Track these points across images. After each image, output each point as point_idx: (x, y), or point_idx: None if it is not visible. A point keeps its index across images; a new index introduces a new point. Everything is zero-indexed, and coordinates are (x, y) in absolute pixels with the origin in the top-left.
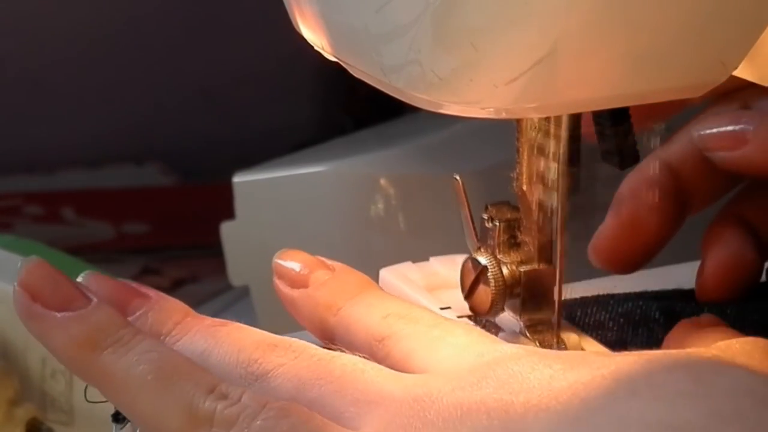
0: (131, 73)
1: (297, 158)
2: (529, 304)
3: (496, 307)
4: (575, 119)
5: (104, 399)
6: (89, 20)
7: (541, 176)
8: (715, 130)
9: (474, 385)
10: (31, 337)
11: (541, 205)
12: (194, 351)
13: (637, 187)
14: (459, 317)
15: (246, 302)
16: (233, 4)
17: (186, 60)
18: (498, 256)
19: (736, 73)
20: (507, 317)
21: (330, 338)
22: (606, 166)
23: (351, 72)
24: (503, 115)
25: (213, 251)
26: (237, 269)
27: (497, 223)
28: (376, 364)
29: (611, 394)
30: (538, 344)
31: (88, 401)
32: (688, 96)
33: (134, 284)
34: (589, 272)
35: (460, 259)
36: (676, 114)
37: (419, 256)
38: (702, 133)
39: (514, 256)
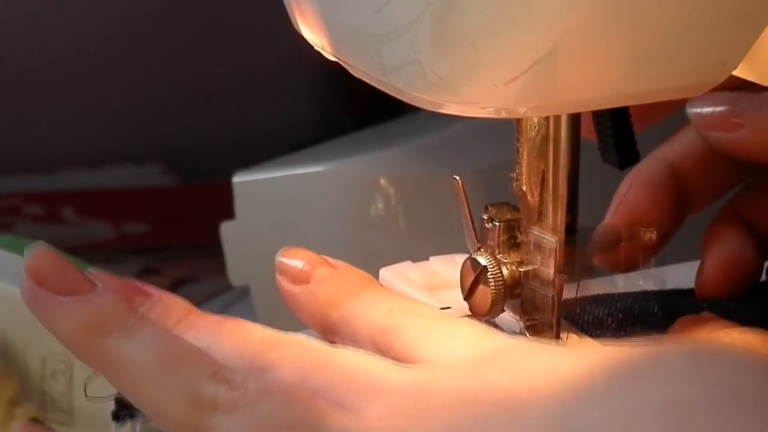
0: (131, 73)
1: (297, 158)
2: (528, 305)
3: (495, 307)
4: (575, 119)
5: (103, 397)
6: (89, 20)
7: (542, 176)
8: (709, 110)
9: (476, 371)
10: (31, 337)
11: (541, 206)
12: (198, 346)
13: (638, 186)
14: (459, 317)
15: (246, 302)
16: (233, 4)
17: (186, 60)
18: (498, 257)
19: (735, 72)
20: (507, 317)
21: (331, 334)
22: (606, 166)
23: (351, 72)
24: (503, 115)
25: (213, 251)
26: (237, 269)
27: (497, 224)
28: (379, 357)
29: (613, 374)
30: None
31: (87, 398)
32: (687, 96)
33: (138, 282)
34: (589, 272)
35: (460, 259)
36: (675, 114)
37: (419, 256)
38: (696, 111)
39: (514, 257)
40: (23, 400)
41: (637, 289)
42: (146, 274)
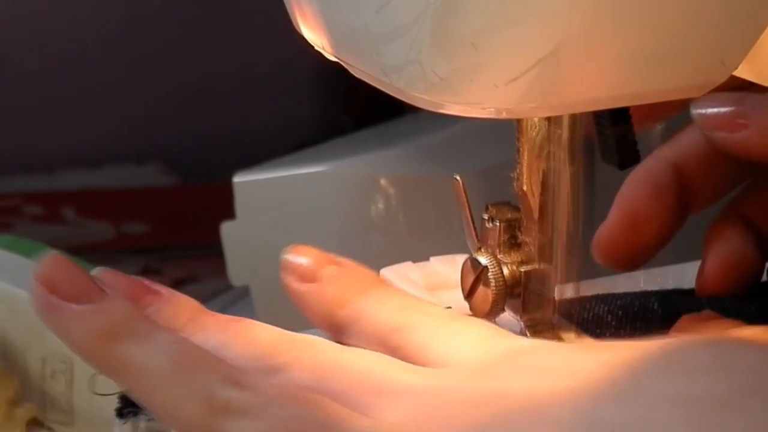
0: (131, 73)
1: (297, 158)
2: (529, 305)
3: (496, 307)
4: (576, 118)
5: (111, 392)
6: (89, 20)
7: (543, 176)
8: (714, 110)
9: (494, 374)
10: (31, 337)
11: (542, 206)
12: (209, 346)
13: (640, 185)
14: None
15: (246, 302)
16: (233, 4)
17: (186, 60)
18: (498, 257)
19: (736, 73)
20: (507, 317)
21: (339, 332)
22: (606, 166)
23: (351, 72)
24: (504, 115)
25: (213, 251)
26: (237, 269)
27: (498, 224)
28: (393, 359)
29: (635, 371)
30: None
31: (95, 394)
32: (688, 96)
33: (145, 281)
34: (589, 272)
35: (460, 259)
36: (676, 114)
37: (419, 256)
38: (700, 111)
39: (515, 257)
40: (23, 400)
41: (637, 289)
42: (146, 274)
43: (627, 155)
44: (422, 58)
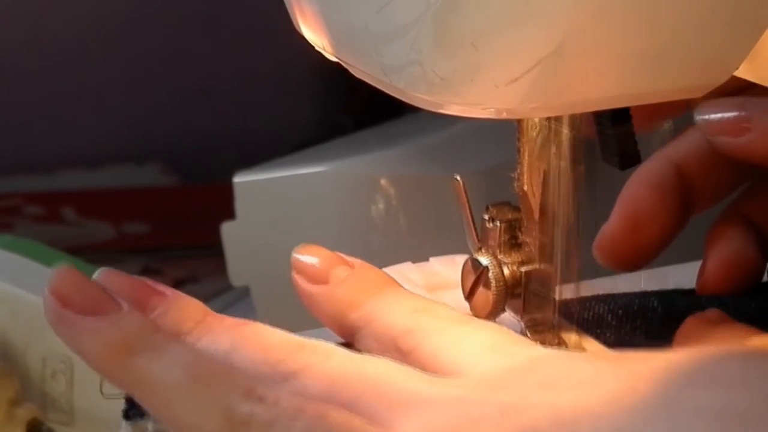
0: (131, 73)
1: (297, 158)
2: (530, 305)
3: (497, 307)
4: (577, 119)
5: (116, 394)
6: (89, 20)
7: (543, 176)
8: (717, 116)
9: (516, 385)
10: (31, 337)
11: (542, 206)
12: (218, 350)
13: (642, 186)
14: None
15: (246, 302)
16: (233, 4)
17: (186, 60)
18: (499, 257)
19: (736, 73)
20: (508, 317)
21: (350, 335)
22: (607, 167)
23: (351, 72)
24: (504, 116)
25: (213, 251)
26: (237, 269)
27: (498, 224)
28: (408, 367)
29: (664, 384)
30: (539, 344)
31: (103, 395)
32: (689, 96)
33: (150, 282)
34: (590, 272)
35: (460, 259)
36: (677, 116)
37: (420, 256)
38: (704, 117)
39: (515, 257)
40: (24, 400)
41: (638, 289)
42: (146, 274)
43: (628, 156)
44: (423, 58)
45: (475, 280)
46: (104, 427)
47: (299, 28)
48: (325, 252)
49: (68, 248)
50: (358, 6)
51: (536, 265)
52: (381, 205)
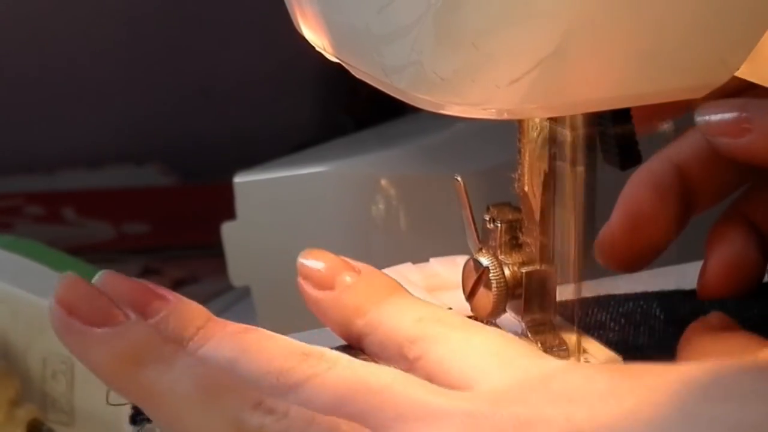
0: (131, 73)
1: (298, 158)
2: (530, 306)
3: (497, 308)
4: (578, 119)
5: (124, 404)
6: (89, 20)
7: (544, 177)
8: (718, 117)
9: (529, 399)
10: (31, 337)
11: (543, 206)
12: (220, 358)
13: (642, 186)
14: None
15: (247, 303)
16: (233, 4)
17: (186, 60)
18: (500, 257)
19: (737, 73)
20: (508, 318)
21: (356, 341)
22: (608, 167)
23: (352, 72)
24: (505, 116)
25: (213, 251)
26: (237, 270)
27: (499, 224)
28: (415, 378)
29: (680, 398)
30: (539, 345)
31: (110, 404)
32: (690, 96)
33: (151, 285)
34: (590, 272)
35: (460, 260)
36: (678, 116)
37: (420, 256)
38: (705, 118)
39: (516, 257)
40: (24, 400)
41: (639, 290)
42: (146, 274)
43: (628, 156)
44: (423, 58)
45: (475, 280)
46: (104, 427)
47: (300, 28)
48: (330, 257)
49: (68, 248)
50: (359, 6)
51: (537, 266)
52: (381, 206)
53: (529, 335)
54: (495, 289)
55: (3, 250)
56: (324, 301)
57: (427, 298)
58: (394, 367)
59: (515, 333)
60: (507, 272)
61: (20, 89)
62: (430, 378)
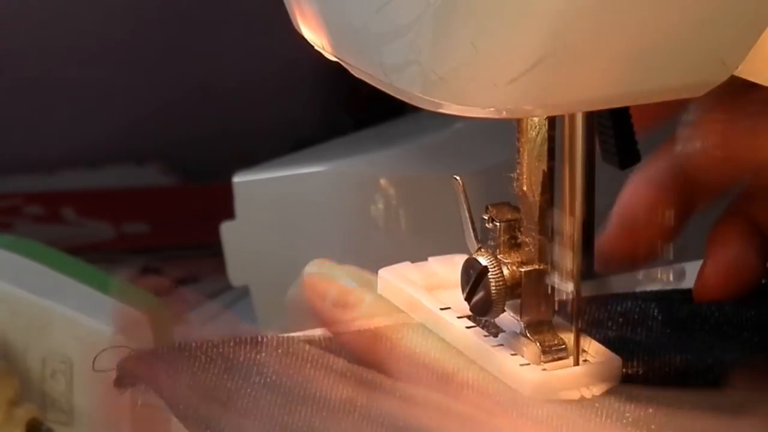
0: (131, 72)
1: (297, 158)
2: (529, 305)
3: (496, 307)
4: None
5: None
6: (89, 20)
7: (543, 176)
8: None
9: None
10: (31, 337)
11: (542, 206)
12: None
13: (642, 185)
14: (459, 318)
15: (246, 302)
16: (233, 4)
17: (186, 60)
18: (498, 257)
19: (736, 73)
20: (507, 317)
21: None
22: (607, 166)
23: (351, 72)
24: (504, 115)
25: (213, 251)
26: (237, 269)
27: (498, 224)
28: None
29: None
30: (538, 345)
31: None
32: (688, 95)
33: None
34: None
35: (458, 259)
36: (676, 116)
37: (420, 256)
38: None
39: (515, 257)
40: (23, 400)
41: (638, 290)
42: (146, 274)
43: (627, 155)
44: (422, 58)
45: (474, 280)
46: (104, 427)
47: (299, 28)
48: None
49: (68, 248)
50: (358, 6)
51: (536, 266)
52: (381, 205)
53: (528, 335)
54: (494, 288)
55: (3, 250)
56: None
57: (426, 297)
58: None
59: (514, 333)
60: (506, 272)
61: (20, 89)
62: None
